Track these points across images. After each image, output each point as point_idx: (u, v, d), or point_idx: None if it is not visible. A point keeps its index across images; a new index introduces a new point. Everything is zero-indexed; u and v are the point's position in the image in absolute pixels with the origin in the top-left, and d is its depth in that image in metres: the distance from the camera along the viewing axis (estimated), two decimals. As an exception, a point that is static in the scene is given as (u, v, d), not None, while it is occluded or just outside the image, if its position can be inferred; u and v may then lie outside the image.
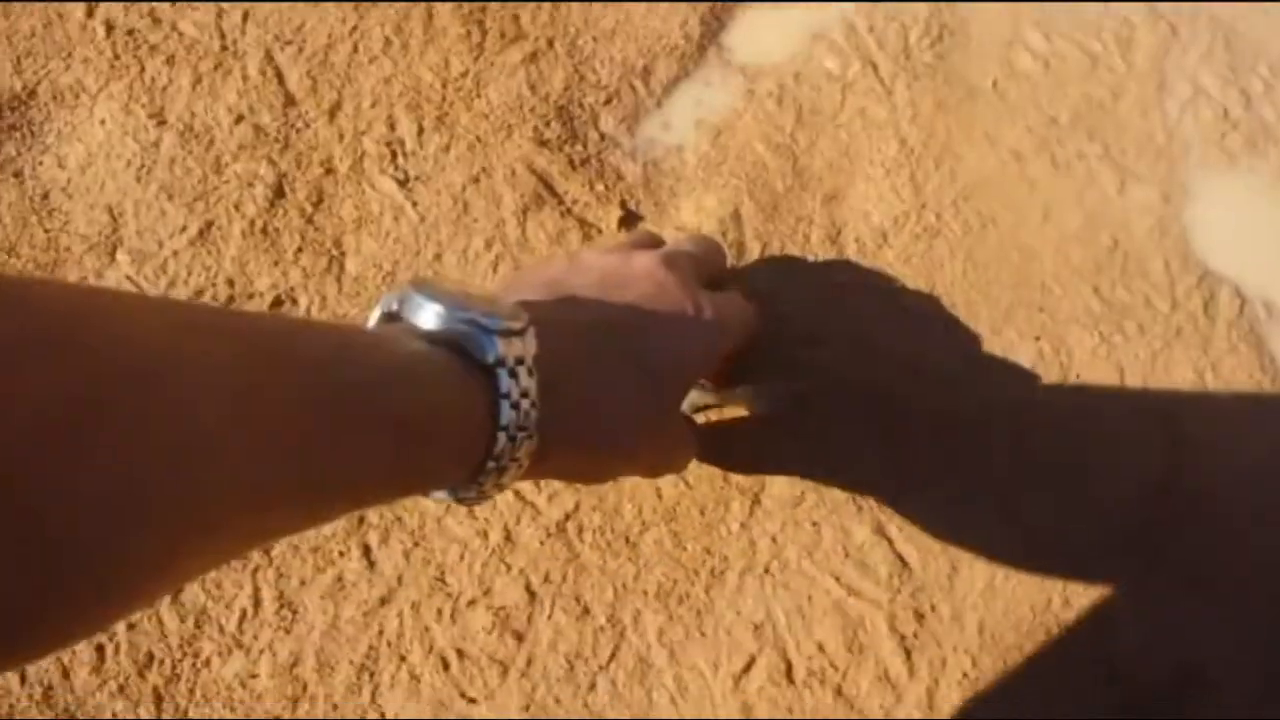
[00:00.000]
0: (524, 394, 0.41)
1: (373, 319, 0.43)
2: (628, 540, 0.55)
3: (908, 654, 0.52)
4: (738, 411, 0.58)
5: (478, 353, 0.40)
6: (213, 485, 0.31)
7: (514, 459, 0.41)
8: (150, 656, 0.55)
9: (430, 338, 0.40)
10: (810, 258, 0.62)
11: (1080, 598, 0.53)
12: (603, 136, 0.67)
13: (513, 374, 0.40)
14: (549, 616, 0.54)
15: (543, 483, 0.57)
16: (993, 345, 0.58)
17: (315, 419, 0.34)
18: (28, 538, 0.26)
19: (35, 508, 0.26)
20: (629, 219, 0.64)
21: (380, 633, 0.54)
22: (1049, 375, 0.57)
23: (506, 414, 0.40)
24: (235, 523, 0.33)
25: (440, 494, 0.43)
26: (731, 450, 0.57)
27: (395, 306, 0.42)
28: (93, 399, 0.28)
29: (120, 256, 0.64)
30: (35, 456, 0.26)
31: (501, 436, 0.40)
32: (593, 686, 0.52)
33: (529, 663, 0.53)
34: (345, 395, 0.36)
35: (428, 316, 0.41)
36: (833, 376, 0.58)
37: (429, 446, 0.39)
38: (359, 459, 0.36)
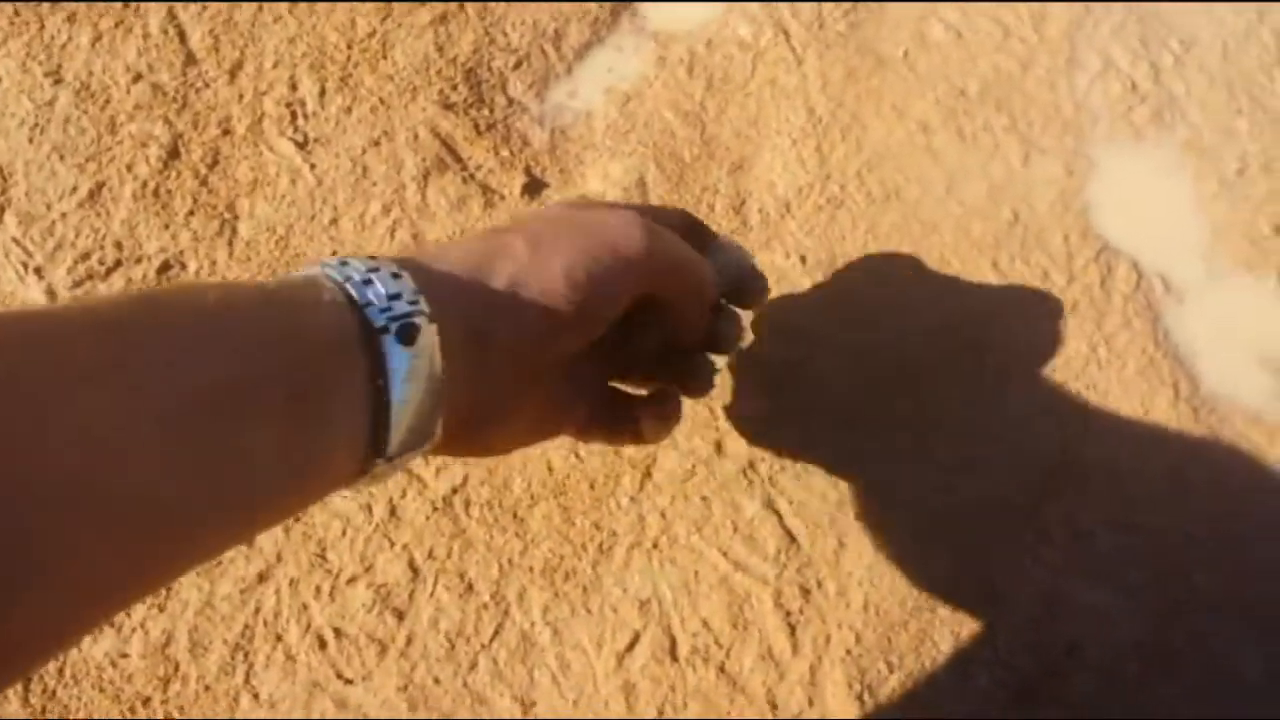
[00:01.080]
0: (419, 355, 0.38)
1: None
2: (515, 515, 0.54)
3: (792, 630, 0.51)
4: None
5: (374, 316, 0.37)
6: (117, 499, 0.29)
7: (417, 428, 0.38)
8: (22, 632, 0.54)
9: (331, 296, 0.37)
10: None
11: (969, 575, 0.52)
12: (510, 101, 0.66)
13: (408, 337, 0.37)
14: (431, 594, 0.53)
15: (431, 457, 0.55)
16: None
17: (197, 417, 0.32)
18: None
19: None
20: (533, 186, 0.63)
21: (257, 611, 0.52)
22: (944, 350, 0.57)
23: (398, 388, 0.37)
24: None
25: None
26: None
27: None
28: None
29: (8, 219, 0.62)
30: None
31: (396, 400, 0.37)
32: (473, 665, 0.51)
33: (409, 641, 0.52)
34: (224, 387, 0.33)
35: (334, 276, 0.38)
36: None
37: (322, 424, 0.36)
38: (251, 452, 0.34)
